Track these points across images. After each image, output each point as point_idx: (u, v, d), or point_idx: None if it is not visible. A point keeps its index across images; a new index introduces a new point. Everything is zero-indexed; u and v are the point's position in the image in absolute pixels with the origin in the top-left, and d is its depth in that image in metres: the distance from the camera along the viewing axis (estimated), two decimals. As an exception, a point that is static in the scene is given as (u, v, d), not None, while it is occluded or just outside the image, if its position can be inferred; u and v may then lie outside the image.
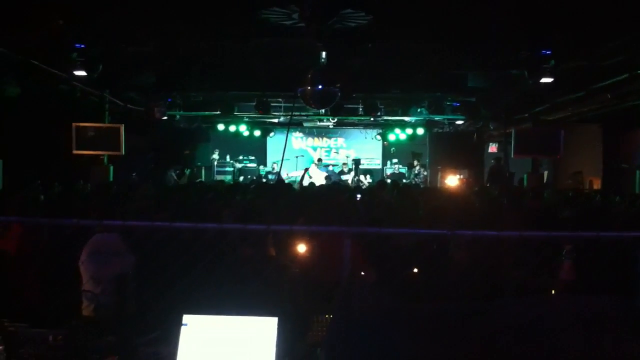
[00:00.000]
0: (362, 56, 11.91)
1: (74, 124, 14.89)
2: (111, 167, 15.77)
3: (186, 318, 2.81)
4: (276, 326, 2.78)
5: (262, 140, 23.90)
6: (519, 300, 2.03)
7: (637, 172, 11.26)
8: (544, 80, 10.49)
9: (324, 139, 25.01)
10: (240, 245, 4.51)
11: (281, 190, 10.08)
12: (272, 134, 23.91)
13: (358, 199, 10.62)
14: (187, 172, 20.07)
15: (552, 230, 4.16)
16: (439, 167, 20.33)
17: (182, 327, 2.79)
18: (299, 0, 8.75)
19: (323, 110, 17.78)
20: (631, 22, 8.87)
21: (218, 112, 18.48)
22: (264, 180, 19.69)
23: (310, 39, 9.75)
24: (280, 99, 17.80)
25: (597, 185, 16.75)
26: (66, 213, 5.85)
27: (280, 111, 18.72)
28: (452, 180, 18.43)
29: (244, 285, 3.81)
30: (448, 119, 19.50)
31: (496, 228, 3.55)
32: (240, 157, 22.85)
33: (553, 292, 4.47)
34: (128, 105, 16.52)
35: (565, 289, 4.39)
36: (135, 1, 8.82)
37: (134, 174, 17.73)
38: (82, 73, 10.90)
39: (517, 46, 10.51)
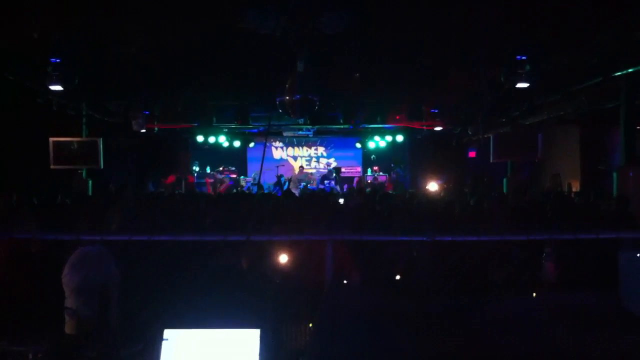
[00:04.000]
0: (340, 60, 11.90)
1: (51, 139, 14.77)
2: (90, 181, 15.66)
3: (167, 333, 2.77)
4: (259, 337, 2.76)
5: (242, 151, 23.89)
6: (505, 296, 2.04)
7: (614, 173, 11.36)
8: (519, 85, 10.57)
9: (304, 147, 25.05)
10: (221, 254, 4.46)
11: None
12: (252, 144, 23.91)
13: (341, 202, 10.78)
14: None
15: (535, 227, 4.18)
16: (420, 172, 20.42)
17: (163, 342, 2.75)
18: (278, 6, 8.74)
19: (302, 119, 17.79)
20: (605, 24, 8.98)
21: (197, 124, 18.43)
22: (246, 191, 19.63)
23: (288, 45, 9.75)
24: (259, 109, 17.78)
25: (575, 187, 16.89)
26: (46, 227, 5.78)
27: (260, 121, 18.69)
28: (433, 186, 18.49)
29: (225, 297, 3.78)
30: (427, 125, 19.59)
31: (479, 229, 3.55)
32: (221, 168, 22.75)
33: (535, 294, 4.48)
34: (105, 118, 16.42)
35: (547, 289, 4.41)
36: (108, 11, 8.76)
37: (110, 185, 17.59)
38: (59, 87, 10.79)
39: (494, 50, 10.57)
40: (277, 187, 20.09)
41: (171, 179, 20.25)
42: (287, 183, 19.94)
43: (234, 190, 18.74)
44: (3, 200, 6.31)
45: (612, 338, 1.50)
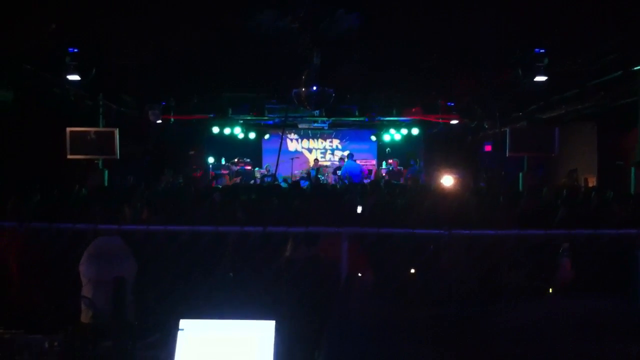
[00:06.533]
0: (356, 56, 11.88)
1: (67, 129, 14.83)
2: (106, 171, 15.72)
3: (183, 323, 2.78)
4: (274, 329, 2.76)
5: (257, 143, 23.92)
6: (517, 304, 2.02)
7: (632, 169, 11.26)
8: (538, 78, 10.46)
9: (319, 140, 25.00)
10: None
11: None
12: (267, 136, 23.92)
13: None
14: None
15: (549, 229, 4.15)
16: (434, 166, 20.34)
17: (179, 332, 2.76)
18: (293, 3, 8.75)
19: (317, 112, 17.78)
20: (624, 20, 8.89)
21: (212, 115, 18.46)
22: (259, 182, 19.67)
23: (303, 41, 9.76)
24: (274, 101, 17.80)
25: (592, 183, 16.76)
26: (62, 217, 5.81)
27: (275, 113, 18.71)
28: (448, 180, 18.40)
29: (241, 288, 3.78)
30: (442, 119, 19.51)
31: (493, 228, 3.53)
32: (236, 160, 22.77)
33: (551, 290, 4.45)
34: (122, 109, 16.48)
35: (563, 288, 4.37)
36: (128, 5, 8.78)
37: (130, 177, 17.64)
38: (76, 77, 10.83)
39: (511, 45, 10.50)
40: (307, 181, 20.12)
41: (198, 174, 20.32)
42: (317, 176, 19.96)
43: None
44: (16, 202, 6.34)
45: (629, 342, 1.48)
